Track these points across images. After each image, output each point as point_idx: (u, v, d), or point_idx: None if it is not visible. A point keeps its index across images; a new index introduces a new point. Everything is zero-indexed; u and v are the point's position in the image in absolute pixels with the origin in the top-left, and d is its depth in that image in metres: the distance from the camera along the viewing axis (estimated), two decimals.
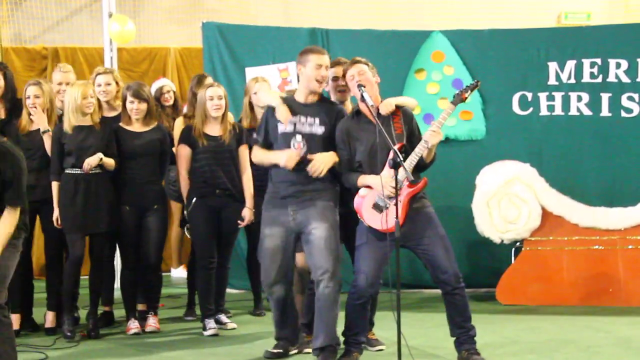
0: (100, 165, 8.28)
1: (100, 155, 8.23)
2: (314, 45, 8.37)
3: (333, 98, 7.62)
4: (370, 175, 7.00)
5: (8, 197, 6.18)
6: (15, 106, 8.63)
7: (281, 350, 7.49)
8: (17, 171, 6.15)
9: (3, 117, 8.58)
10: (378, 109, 7.08)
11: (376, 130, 6.89)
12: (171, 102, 9.85)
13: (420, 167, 7.00)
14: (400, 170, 6.63)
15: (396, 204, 6.61)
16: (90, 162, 8.22)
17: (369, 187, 6.99)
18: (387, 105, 7.11)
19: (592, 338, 8.24)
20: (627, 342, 8.01)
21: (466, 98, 7.13)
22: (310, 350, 7.53)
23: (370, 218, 7.01)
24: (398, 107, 7.17)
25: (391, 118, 7.09)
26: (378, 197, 6.94)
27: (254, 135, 7.71)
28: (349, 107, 7.54)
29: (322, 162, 7.08)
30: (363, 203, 7.04)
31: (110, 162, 8.32)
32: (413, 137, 7.07)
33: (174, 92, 9.87)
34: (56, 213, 8.32)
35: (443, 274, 7.04)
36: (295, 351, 7.57)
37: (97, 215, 8.41)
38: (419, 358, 6.95)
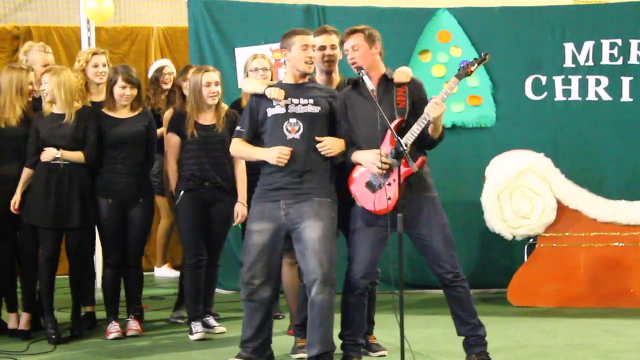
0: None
1: (53, 151, 8.30)
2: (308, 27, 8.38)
3: (319, 68, 7.64)
4: (363, 151, 7.04)
5: None
6: None
7: None
8: None
9: None
10: (378, 82, 7.16)
11: (375, 106, 6.91)
12: (169, 85, 9.80)
13: (427, 143, 7.06)
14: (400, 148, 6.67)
15: (401, 191, 6.68)
16: (46, 156, 8.31)
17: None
18: (404, 75, 7.16)
19: (611, 343, 8.27)
20: None
21: (472, 72, 7.10)
22: (302, 355, 7.60)
23: (363, 198, 7.06)
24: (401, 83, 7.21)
25: (394, 90, 7.12)
26: (371, 175, 6.99)
27: (237, 127, 7.64)
28: (336, 79, 7.60)
29: (333, 142, 7.14)
30: (356, 181, 7.11)
31: (72, 155, 8.36)
32: (419, 106, 7.07)
33: (174, 76, 9.81)
34: (15, 197, 8.39)
35: (440, 267, 7.10)
36: None
37: (70, 209, 8.43)
38: None
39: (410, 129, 6.87)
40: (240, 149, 7.38)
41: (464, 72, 7.08)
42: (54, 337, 8.35)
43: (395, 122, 6.86)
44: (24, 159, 8.46)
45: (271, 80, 8.70)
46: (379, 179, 6.94)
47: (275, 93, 7.16)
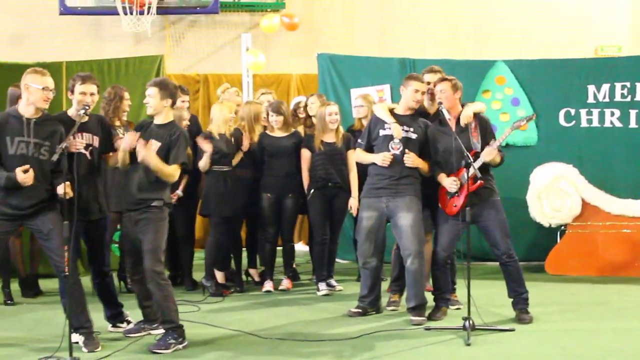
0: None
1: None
2: (411, 73, 8.41)
3: (427, 99, 7.67)
4: (443, 177, 7.20)
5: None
6: None
7: (360, 310, 7.55)
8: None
9: None
10: (457, 118, 7.22)
11: (453, 136, 7.05)
12: (303, 114, 9.90)
13: (492, 166, 7.20)
14: (470, 169, 6.86)
15: (463, 205, 6.73)
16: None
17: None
18: (466, 118, 7.21)
19: (621, 301, 8.24)
20: None
21: (522, 127, 7.50)
22: (394, 307, 7.75)
23: (442, 202, 7.26)
24: (475, 115, 7.25)
25: (469, 127, 7.19)
26: (448, 191, 7.17)
27: (358, 140, 7.80)
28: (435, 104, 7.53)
29: (415, 158, 7.25)
30: (441, 192, 7.27)
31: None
32: (487, 136, 7.20)
33: (306, 107, 9.91)
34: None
35: (498, 249, 7.22)
36: (374, 312, 7.62)
37: (237, 202, 8.59)
38: (483, 314, 6.99)
39: (476, 161, 6.97)
40: (359, 155, 7.62)
41: (517, 126, 7.30)
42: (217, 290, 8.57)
43: (471, 152, 7.00)
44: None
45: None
46: (452, 192, 7.11)
47: (396, 131, 7.30)
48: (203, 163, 8.42)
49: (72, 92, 6.63)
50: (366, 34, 13.41)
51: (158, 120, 6.63)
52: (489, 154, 7.04)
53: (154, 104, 6.55)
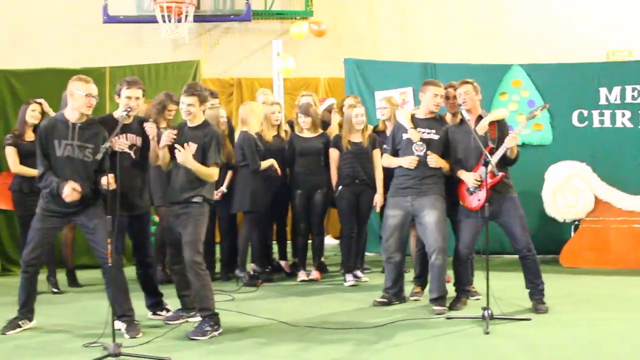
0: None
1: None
2: (430, 78, 8.40)
3: (447, 109, 7.62)
4: (463, 172, 7.16)
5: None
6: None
7: (385, 300, 7.55)
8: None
9: None
10: (476, 120, 7.22)
11: (472, 135, 7.03)
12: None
13: (508, 161, 7.13)
14: (488, 165, 6.80)
15: (486, 199, 6.67)
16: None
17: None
18: (482, 128, 7.18)
19: (633, 292, 8.17)
20: None
21: (536, 115, 7.29)
22: (417, 297, 7.76)
23: (463, 199, 7.20)
24: (492, 122, 7.22)
25: (488, 127, 7.16)
26: (469, 186, 7.12)
27: (384, 146, 7.78)
28: (458, 115, 7.48)
29: (437, 158, 7.22)
30: (461, 189, 7.22)
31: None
32: (505, 136, 7.11)
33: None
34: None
35: (518, 244, 7.18)
36: (398, 303, 7.60)
37: (268, 198, 8.67)
38: (501, 304, 6.99)
39: (495, 153, 6.92)
40: (387, 160, 7.59)
41: (531, 115, 7.24)
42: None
43: (487, 148, 6.98)
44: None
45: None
46: (473, 189, 7.06)
47: (413, 136, 7.29)
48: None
49: (119, 95, 6.67)
50: (390, 39, 13.39)
51: (191, 123, 6.65)
52: (512, 140, 6.98)
53: (194, 111, 6.57)
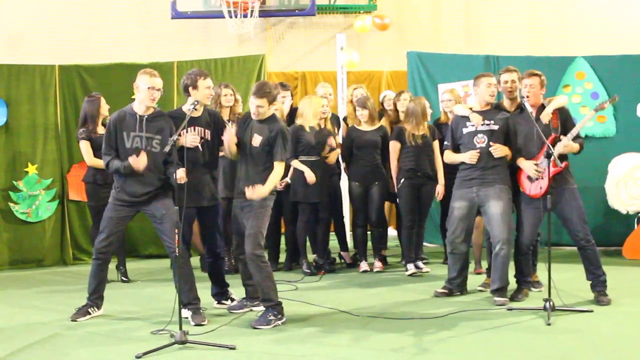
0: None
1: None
2: (486, 71, 8.34)
3: (505, 95, 7.50)
4: (523, 161, 7.10)
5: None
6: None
7: (446, 291, 7.51)
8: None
9: None
10: (537, 110, 7.13)
11: (534, 123, 6.95)
12: (391, 106, 9.70)
13: (573, 154, 7.10)
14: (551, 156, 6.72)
15: (547, 188, 6.57)
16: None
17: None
18: (546, 116, 7.08)
19: None
20: None
21: (605, 107, 7.13)
22: (481, 288, 7.72)
23: (524, 186, 7.12)
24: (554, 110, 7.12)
25: (550, 115, 7.07)
26: (529, 174, 7.06)
27: (445, 142, 7.68)
28: (516, 102, 7.38)
29: (501, 147, 7.15)
30: (520, 176, 7.17)
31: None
32: (568, 125, 7.05)
33: (393, 101, 9.71)
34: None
35: (576, 235, 7.08)
36: (459, 294, 7.55)
37: (323, 190, 8.66)
38: (563, 295, 6.91)
39: (557, 146, 6.82)
40: (448, 156, 7.52)
41: (600, 107, 7.08)
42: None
43: (550, 137, 6.88)
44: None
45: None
46: (534, 176, 6.98)
47: (475, 119, 7.23)
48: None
49: (195, 87, 6.74)
50: (452, 32, 13.28)
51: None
52: (564, 148, 6.91)
53: (263, 112, 6.61)
